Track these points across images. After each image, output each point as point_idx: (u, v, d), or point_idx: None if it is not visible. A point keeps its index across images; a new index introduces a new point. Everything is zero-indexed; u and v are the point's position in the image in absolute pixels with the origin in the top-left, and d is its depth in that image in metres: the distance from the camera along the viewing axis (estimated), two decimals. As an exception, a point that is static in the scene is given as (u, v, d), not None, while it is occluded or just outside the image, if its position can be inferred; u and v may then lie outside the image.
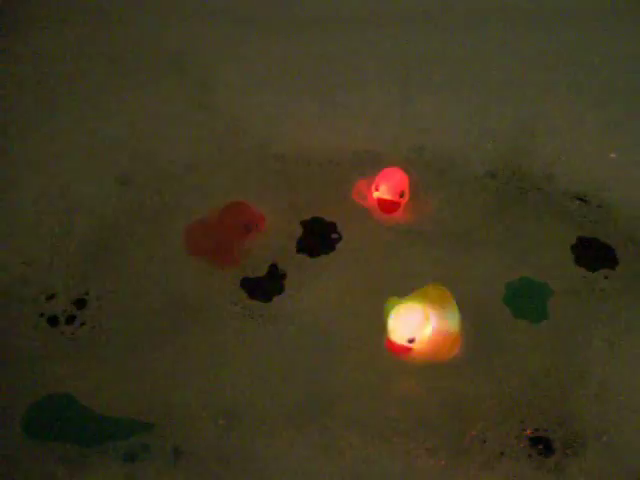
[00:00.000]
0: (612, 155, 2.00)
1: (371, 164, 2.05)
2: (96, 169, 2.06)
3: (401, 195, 1.93)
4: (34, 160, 2.06)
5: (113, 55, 2.26)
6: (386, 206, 1.94)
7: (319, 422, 1.64)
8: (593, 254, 1.90)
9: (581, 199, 1.98)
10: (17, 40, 2.24)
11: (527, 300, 1.84)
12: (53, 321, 1.82)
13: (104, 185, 2.03)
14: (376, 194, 1.95)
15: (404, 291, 1.79)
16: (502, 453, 1.58)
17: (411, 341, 1.63)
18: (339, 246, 1.95)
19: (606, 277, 1.86)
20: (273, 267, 1.90)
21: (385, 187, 1.93)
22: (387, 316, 1.67)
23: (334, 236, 1.97)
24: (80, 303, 1.85)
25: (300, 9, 2.28)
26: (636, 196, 1.97)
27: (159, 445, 1.62)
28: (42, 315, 1.82)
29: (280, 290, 1.88)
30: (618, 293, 1.83)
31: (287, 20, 2.21)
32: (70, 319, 1.82)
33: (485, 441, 1.60)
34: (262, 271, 1.90)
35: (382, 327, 1.73)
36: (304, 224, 1.98)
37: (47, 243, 1.93)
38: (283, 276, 1.90)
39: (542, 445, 1.59)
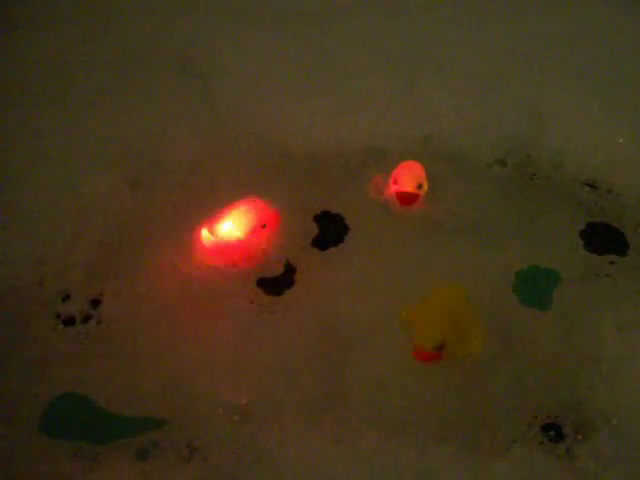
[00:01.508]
0: (620, 140, 1.99)
1: (379, 157, 2.06)
2: (106, 170, 2.08)
3: (419, 187, 1.95)
4: (44, 162, 2.08)
5: (114, 55, 2.26)
6: (405, 198, 1.96)
7: (332, 415, 1.65)
8: (603, 240, 1.90)
9: (590, 185, 1.97)
10: (17, 41, 2.25)
11: (536, 288, 1.84)
12: (69, 321, 1.85)
13: (115, 186, 2.05)
14: (394, 187, 1.96)
15: (416, 284, 1.81)
16: (514, 440, 1.59)
17: (440, 348, 1.66)
18: (349, 239, 1.96)
19: (614, 262, 1.85)
20: (289, 264, 1.92)
21: (404, 179, 1.95)
22: (406, 323, 1.69)
23: (345, 229, 1.98)
24: (95, 303, 1.88)
25: (300, 2, 2.29)
26: (644, 180, 1.96)
27: (172, 441, 1.64)
28: (58, 316, 1.86)
29: (291, 284, 1.90)
30: (627, 278, 1.82)
31: (288, 14, 2.21)
32: (86, 319, 1.85)
33: (497, 429, 1.61)
34: (278, 268, 1.91)
35: (395, 320, 1.76)
36: (316, 219, 1.99)
37: (61, 244, 1.96)
38: (294, 270, 1.92)
39: (553, 431, 1.60)
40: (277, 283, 1.89)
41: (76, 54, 2.22)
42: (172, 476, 1.59)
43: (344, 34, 2.17)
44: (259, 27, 2.22)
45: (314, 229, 1.98)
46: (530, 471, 1.55)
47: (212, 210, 1.97)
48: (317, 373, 1.73)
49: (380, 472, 1.57)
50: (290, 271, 1.91)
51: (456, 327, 1.69)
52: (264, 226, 1.94)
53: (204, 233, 1.91)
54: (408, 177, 1.95)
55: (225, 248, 1.92)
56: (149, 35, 2.23)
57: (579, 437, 1.58)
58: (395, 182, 1.96)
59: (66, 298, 1.89)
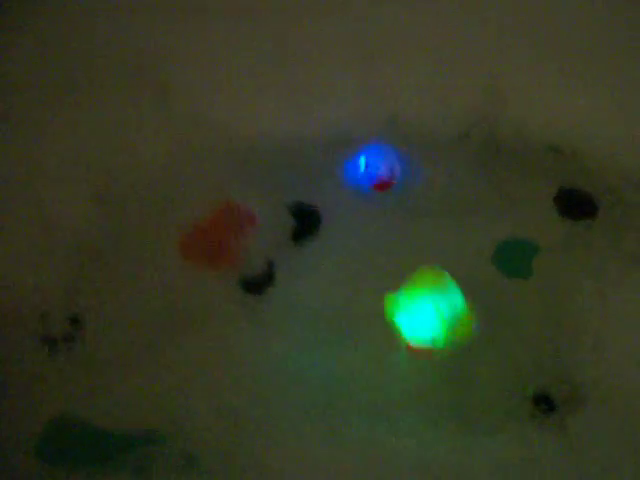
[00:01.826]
0: (580, 102, 1.99)
1: (345, 143, 2.05)
2: (67, 186, 2.03)
3: (392, 171, 1.94)
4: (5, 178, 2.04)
5: (62, 63, 2.21)
6: (379, 184, 1.96)
7: (325, 411, 1.67)
8: (575, 205, 1.91)
9: (555, 150, 1.98)
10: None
11: (516, 259, 1.86)
12: (50, 342, 1.83)
13: (80, 201, 2.01)
14: (368, 173, 1.97)
15: (396, 269, 1.81)
16: (506, 416, 1.62)
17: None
18: (323, 230, 1.95)
19: (589, 227, 1.87)
20: (270, 262, 1.91)
21: (376, 165, 1.96)
22: (393, 316, 1.71)
23: (318, 220, 1.97)
24: (75, 321, 1.85)
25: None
26: (606, 141, 1.97)
27: (168, 454, 1.64)
28: (38, 337, 1.83)
29: (271, 281, 1.89)
30: (603, 242, 1.84)
31: (240, 8, 2.17)
32: (67, 338, 1.83)
33: (489, 406, 1.63)
34: (260, 267, 1.90)
35: (379, 308, 1.77)
36: (291, 212, 1.98)
37: (32, 264, 1.92)
38: (273, 267, 1.91)
39: (544, 403, 1.62)
40: (259, 282, 1.88)
41: (22, 69, 2.15)
42: (171, 488, 1.61)
43: (297, 24, 2.13)
44: (212, 23, 2.17)
45: (290, 223, 1.96)
46: (525, 445, 1.58)
47: (186, 216, 1.96)
48: (306, 370, 1.74)
49: (379, 464, 1.59)
50: (270, 268, 1.90)
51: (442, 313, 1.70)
52: (241, 226, 1.93)
53: (183, 240, 1.90)
54: (381, 162, 1.97)
55: (205, 252, 1.91)
56: (97, 41, 2.16)
57: (570, 407, 1.61)
58: (368, 168, 1.98)
59: (44, 318, 1.86)
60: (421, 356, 1.70)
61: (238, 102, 2.12)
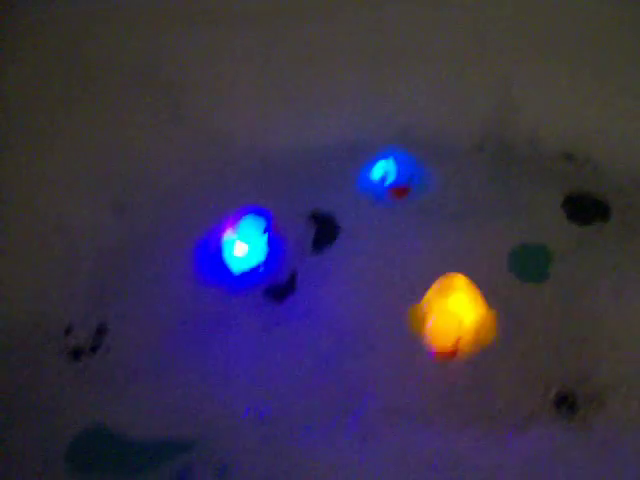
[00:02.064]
0: (590, 110, 2.04)
1: (360, 152, 2.09)
2: (86, 197, 2.06)
3: (408, 178, 1.99)
4: (22, 197, 2.05)
5: (75, 74, 2.22)
6: (397, 191, 2.02)
7: (354, 412, 1.71)
8: (586, 210, 1.96)
9: (567, 157, 2.03)
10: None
11: (530, 264, 1.90)
12: (77, 354, 1.85)
13: (99, 212, 2.04)
14: (385, 181, 2.02)
15: (414, 276, 1.87)
16: (531, 415, 1.67)
17: (457, 341, 1.73)
18: (342, 238, 1.99)
19: (601, 231, 1.92)
20: (293, 271, 1.94)
21: (393, 174, 2.02)
22: (417, 324, 1.76)
23: (337, 228, 2.01)
24: (100, 332, 1.88)
25: (263, 3, 2.27)
26: (618, 146, 2.03)
27: (203, 462, 1.68)
28: (65, 350, 1.85)
29: (293, 289, 1.92)
30: (616, 244, 1.89)
31: (252, 17, 2.20)
32: (93, 349, 1.86)
33: (512, 407, 1.68)
34: (283, 275, 1.94)
35: (399, 313, 1.82)
36: (311, 220, 2.02)
37: (54, 277, 1.95)
38: (295, 275, 1.94)
39: (567, 403, 1.67)
40: (282, 290, 1.92)
41: (35, 78, 2.17)
42: (210, 498, 1.64)
43: (308, 34, 2.17)
44: (227, 35, 2.20)
45: (310, 231, 2.00)
46: (550, 443, 1.63)
47: (204, 224, 1.99)
48: (332, 374, 1.78)
49: (410, 463, 1.63)
50: (292, 277, 1.94)
51: (466, 320, 1.75)
52: (265, 233, 1.97)
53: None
54: (398, 171, 2.01)
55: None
56: (112, 50, 2.18)
57: (592, 407, 1.66)
58: (385, 176, 2.02)
59: (69, 330, 1.88)
60: (445, 360, 1.74)
61: (252, 113, 2.16)
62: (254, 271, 1.94)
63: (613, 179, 1.99)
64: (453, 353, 1.74)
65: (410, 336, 1.79)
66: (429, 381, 1.73)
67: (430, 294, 1.84)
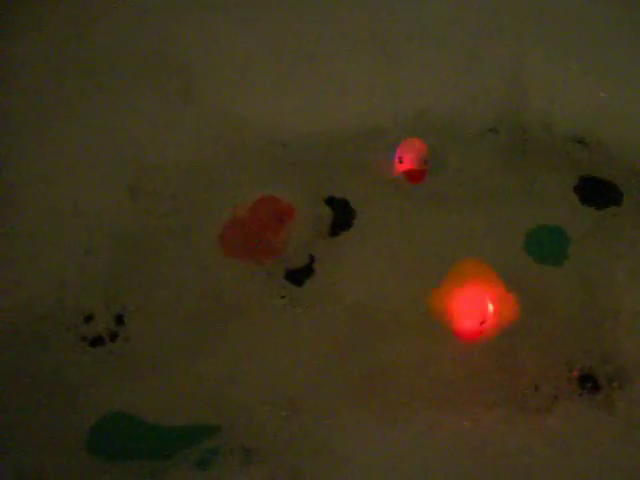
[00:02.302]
0: (602, 94, 2.07)
1: (376, 137, 2.09)
2: (102, 183, 2.04)
3: (425, 163, 2.00)
4: (39, 183, 2.03)
5: (86, 63, 2.19)
6: (413, 176, 2.01)
7: (379, 395, 1.72)
8: (599, 193, 1.99)
9: (580, 141, 2.05)
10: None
11: (547, 246, 1.93)
12: (98, 341, 1.84)
13: (115, 198, 2.02)
14: (401, 166, 2.01)
15: (433, 258, 1.89)
16: (555, 396, 1.69)
17: (482, 323, 1.73)
18: (358, 222, 2.00)
19: (616, 214, 1.95)
20: (311, 256, 1.95)
21: (409, 157, 2.00)
22: (439, 309, 1.77)
23: (353, 213, 2.01)
24: (120, 318, 1.87)
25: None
26: (630, 131, 2.05)
27: (229, 446, 1.68)
28: (85, 338, 1.84)
29: (311, 273, 1.93)
30: (630, 226, 1.93)
31: (269, 4, 2.19)
32: (113, 336, 1.85)
33: (537, 388, 1.71)
34: (302, 259, 1.94)
35: (419, 296, 1.83)
36: (328, 204, 2.02)
37: (73, 264, 1.94)
38: (312, 259, 1.94)
39: (590, 383, 1.70)
40: (301, 274, 1.92)
41: (46, 66, 2.13)
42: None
43: (321, 17, 2.17)
44: (232, 17, 2.19)
45: (327, 216, 2.00)
46: (576, 422, 1.66)
47: (221, 211, 1.99)
48: (355, 357, 1.79)
49: (438, 446, 1.65)
50: (311, 261, 1.94)
51: (489, 304, 1.77)
52: (281, 219, 1.97)
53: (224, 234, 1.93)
54: (413, 155, 2.00)
55: (245, 246, 1.94)
56: (121, 38, 2.16)
57: (615, 386, 1.69)
58: (401, 161, 2.01)
59: (89, 318, 1.87)
60: (470, 343, 1.76)
61: (266, 96, 2.15)
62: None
63: (625, 163, 2.02)
64: (477, 336, 1.75)
65: (432, 319, 1.81)
66: (451, 362, 1.75)
67: (450, 278, 1.85)
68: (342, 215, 2.01)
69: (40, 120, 2.06)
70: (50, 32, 2.15)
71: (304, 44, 2.17)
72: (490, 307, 1.76)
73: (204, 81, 2.17)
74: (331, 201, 2.02)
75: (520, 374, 1.72)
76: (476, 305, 1.75)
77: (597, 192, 1.99)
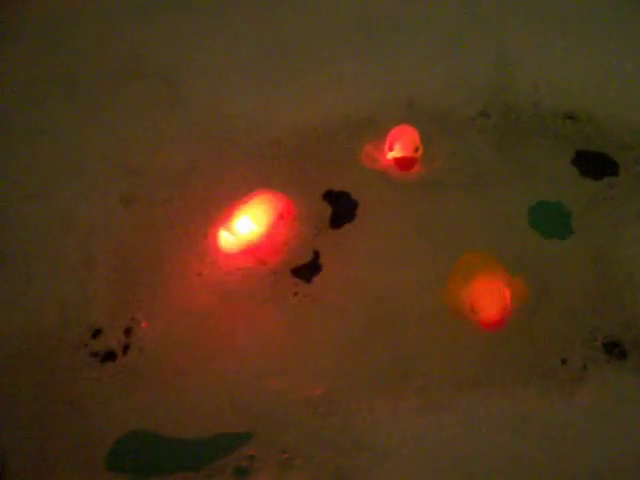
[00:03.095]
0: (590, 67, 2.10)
1: (367, 127, 2.07)
2: (95, 193, 1.97)
3: (416, 150, 1.97)
4: (30, 198, 1.94)
5: (65, 72, 2.11)
6: (404, 164, 1.98)
7: (412, 384, 1.69)
8: (594, 166, 2.02)
9: (571, 117, 2.08)
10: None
11: (550, 221, 1.94)
12: (110, 356, 1.76)
13: (109, 207, 1.95)
14: (391, 154, 1.98)
15: (438, 243, 1.89)
16: (585, 366, 1.70)
17: (505, 311, 1.71)
18: (360, 213, 1.97)
19: (613, 185, 1.98)
20: (316, 251, 1.91)
21: (399, 145, 1.96)
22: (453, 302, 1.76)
23: (354, 204, 1.98)
24: (129, 331, 1.79)
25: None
26: (618, 104, 2.10)
27: (265, 452, 1.63)
28: (96, 354, 1.76)
29: (318, 268, 1.89)
30: (630, 195, 1.96)
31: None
32: (125, 348, 1.77)
33: (565, 361, 1.71)
34: (307, 255, 1.89)
35: (432, 284, 1.82)
36: (327, 198, 1.98)
37: (72, 280, 1.85)
38: (318, 253, 1.91)
39: (617, 349, 1.72)
40: (308, 270, 1.88)
41: (23, 78, 2.04)
42: (281, 485, 1.59)
43: (304, 13, 2.14)
44: (211, 16, 2.14)
45: (326, 209, 1.97)
46: (610, 388, 1.67)
47: (218, 212, 1.93)
48: (380, 348, 1.76)
49: (478, 427, 1.63)
50: (316, 256, 1.90)
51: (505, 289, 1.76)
52: (281, 216, 1.92)
53: (223, 235, 1.86)
54: (404, 142, 1.98)
55: (248, 246, 1.88)
56: (100, 44, 2.09)
57: (641, 349, 1.71)
58: (391, 148, 1.98)
59: (97, 333, 1.79)
60: (494, 330, 1.75)
61: (251, 94, 2.12)
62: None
63: (617, 136, 2.05)
64: (504, 325, 1.73)
65: (449, 306, 1.79)
66: (475, 343, 1.74)
67: (458, 271, 1.84)
68: (344, 207, 1.98)
69: (24, 135, 1.97)
70: (27, 43, 2.06)
71: (288, 38, 2.14)
72: (508, 293, 1.75)
73: (189, 83, 2.12)
74: (329, 195, 2.00)
75: (545, 350, 1.72)
76: (496, 296, 1.73)
77: (593, 164, 2.02)
